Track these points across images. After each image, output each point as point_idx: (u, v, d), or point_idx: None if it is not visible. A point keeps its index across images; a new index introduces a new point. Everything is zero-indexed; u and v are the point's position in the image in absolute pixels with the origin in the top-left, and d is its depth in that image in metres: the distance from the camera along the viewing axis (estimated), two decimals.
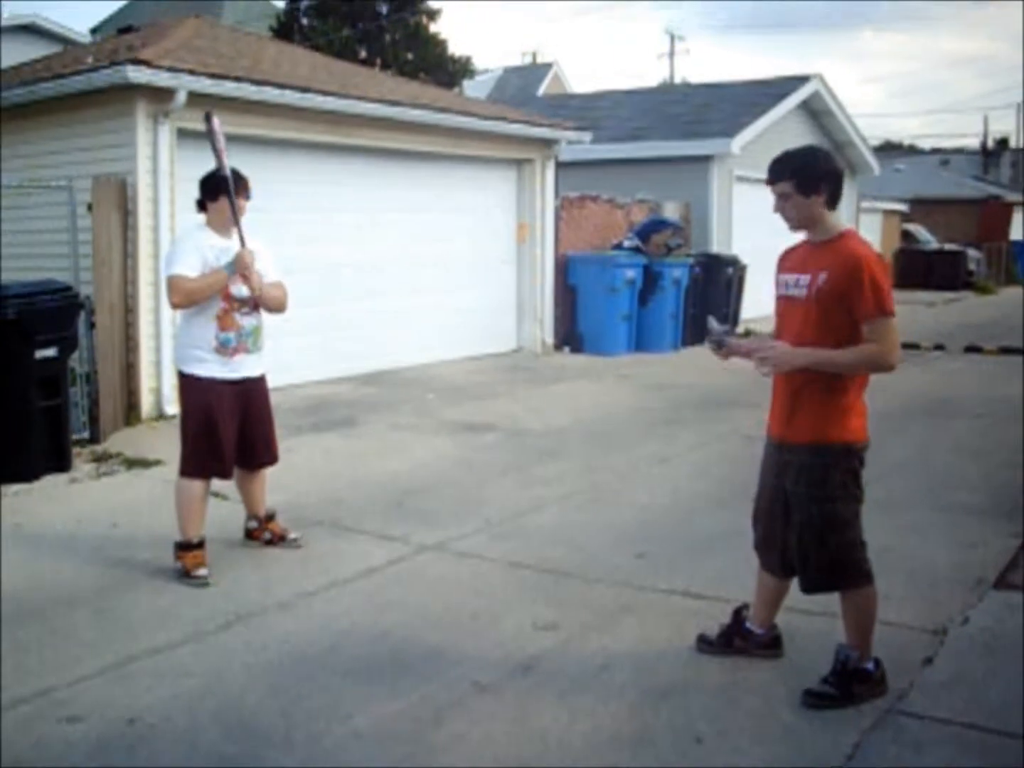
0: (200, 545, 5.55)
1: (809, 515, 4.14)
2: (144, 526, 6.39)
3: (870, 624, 4.20)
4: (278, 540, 6.05)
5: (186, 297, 5.53)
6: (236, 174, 5.69)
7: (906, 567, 5.62)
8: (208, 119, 5.73)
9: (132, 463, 7.94)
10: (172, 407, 9.09)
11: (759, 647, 4.51)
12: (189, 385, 5.66)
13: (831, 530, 4.11)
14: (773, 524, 4.34)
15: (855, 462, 4.15)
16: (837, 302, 4.02)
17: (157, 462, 7.82)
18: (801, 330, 4.14)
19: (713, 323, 4.49)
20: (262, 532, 6.07)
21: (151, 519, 6.42)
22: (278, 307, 5.82)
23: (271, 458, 6.00)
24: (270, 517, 6.10)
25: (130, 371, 9.47)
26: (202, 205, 5.72)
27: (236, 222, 5.56)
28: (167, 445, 7.58)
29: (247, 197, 5.76)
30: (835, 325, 4.04)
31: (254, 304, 5.67)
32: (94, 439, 8.50)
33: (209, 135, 5.69)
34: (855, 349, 4.02)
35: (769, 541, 4.38)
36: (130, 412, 9.42)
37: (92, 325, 8.61)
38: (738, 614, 4.58)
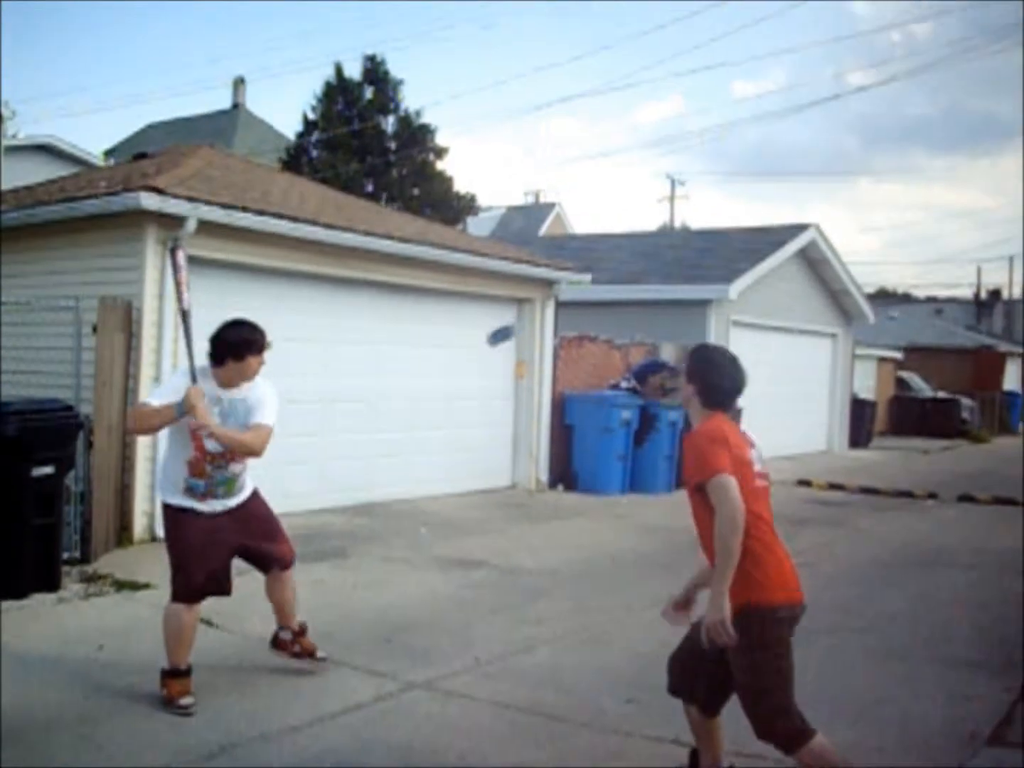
0: (187, 673, 5.46)
1: (735, 677, 4.17)
2: (131, 650, 6.32)
3: None
4: (306, 656, 5.98)
5: (135, 421, 5.55)
6: (255, 328, 5.60)
7: (900, 719, 5.54)
8: (173, 252, 5.80)
9: (122, 585, 7.88)
10: None
11: None
12: (168, 515, 5.61)
13: (750, 699, 4.11)
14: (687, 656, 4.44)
15: (768, 632, 4.04)
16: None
17: (147, 585, 7.76)
18: None
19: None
20: (293, 644, 5.99)
21: (138, 643, 6.36)
22: (245, 452, 5.49)
23: (284, 557, 5.80)
24: (303, 631, 6.01)
25: (125, 492, 9.44)
26: (220, 359, 5.50)
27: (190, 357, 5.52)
28: (158, 568, 7.52)
29: (266, 349, 5.61)
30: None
31: (230, 458, 5.51)
32: (84, 559, 8.45)
33: (172, 267, 5.75)
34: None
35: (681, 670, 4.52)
36: (122, 533, 9.37)
37: (90, 444, 8.63)
38: (694, 755, 4.55)
